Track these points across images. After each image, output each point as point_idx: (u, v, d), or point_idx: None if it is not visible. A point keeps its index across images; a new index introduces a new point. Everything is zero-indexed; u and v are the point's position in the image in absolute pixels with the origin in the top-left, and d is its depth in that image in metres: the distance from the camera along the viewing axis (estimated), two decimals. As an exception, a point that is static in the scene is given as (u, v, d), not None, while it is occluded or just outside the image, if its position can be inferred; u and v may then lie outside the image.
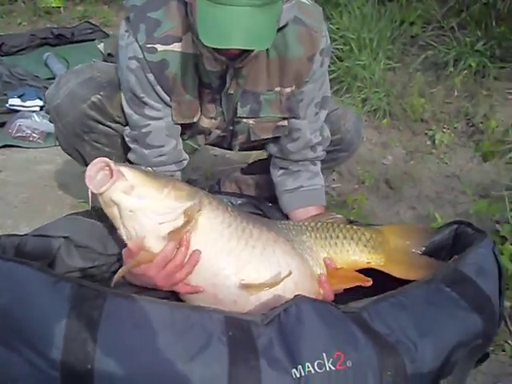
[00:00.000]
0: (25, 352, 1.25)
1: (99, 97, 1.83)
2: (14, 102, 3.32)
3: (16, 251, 1.51)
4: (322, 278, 1.63)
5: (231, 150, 2.09)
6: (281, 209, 2.01)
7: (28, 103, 3.32)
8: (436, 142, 3.06)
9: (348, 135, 2.10)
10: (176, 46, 1.69)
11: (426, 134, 3.16)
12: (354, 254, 1.69)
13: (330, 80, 1.97)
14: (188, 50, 1.70)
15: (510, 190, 2.29)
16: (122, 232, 1.47)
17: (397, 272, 1.67)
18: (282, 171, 2.01)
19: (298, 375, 1.27)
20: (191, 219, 1.46)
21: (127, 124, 1.84)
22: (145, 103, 1.75)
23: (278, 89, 1.81)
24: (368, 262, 1.70)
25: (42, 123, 3.14)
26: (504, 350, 1.71)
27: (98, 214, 1.68)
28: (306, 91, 1.83)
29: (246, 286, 1.50)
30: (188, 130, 1.90)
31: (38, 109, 3.31)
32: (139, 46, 1.67)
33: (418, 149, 3.04)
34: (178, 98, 1.77)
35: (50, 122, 1.96)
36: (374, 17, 3.76)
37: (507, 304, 1.80)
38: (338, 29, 3.68)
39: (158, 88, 1.72)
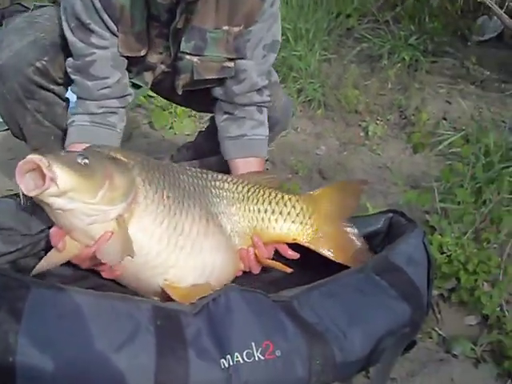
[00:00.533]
0: None
1: (44, 62, 1.78)
2: None
3: None
4: (249, 252, 1.67)
5: (175, 96, 2.02)
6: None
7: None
8: (369, 133, 3.09)
9: (276, 114, 2.05)
10: None
11: (359, 125, 3.18)
12: (281, 230, 1.72)
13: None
14: None
15: (439, 181, 2.33)
16: (52, 220, 1.44)
17: (320, 251, 1.71)
18: (226, 116, 1.95)
19: (227, 365, 1.26)
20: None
21: (68, 86, 1.78)
22: (91, 30, 1.69)
23: (226, 28, 1.78)
24: (294, 239, 1.73)
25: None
26: (431, 338, 1.74)
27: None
28: (254, 31, 1.81)
29: (168, 289, 1.49)
30: (135, 66, 1.85)
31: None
32: None
33: (351, 140, 3.06)
34: (126, 28, 1.72)
35: None
36: (310, 8, 3.77)
37: (435, 292, 1.83)
38: (274, 18, 3.66)
39: (105, 16, 1.67)
